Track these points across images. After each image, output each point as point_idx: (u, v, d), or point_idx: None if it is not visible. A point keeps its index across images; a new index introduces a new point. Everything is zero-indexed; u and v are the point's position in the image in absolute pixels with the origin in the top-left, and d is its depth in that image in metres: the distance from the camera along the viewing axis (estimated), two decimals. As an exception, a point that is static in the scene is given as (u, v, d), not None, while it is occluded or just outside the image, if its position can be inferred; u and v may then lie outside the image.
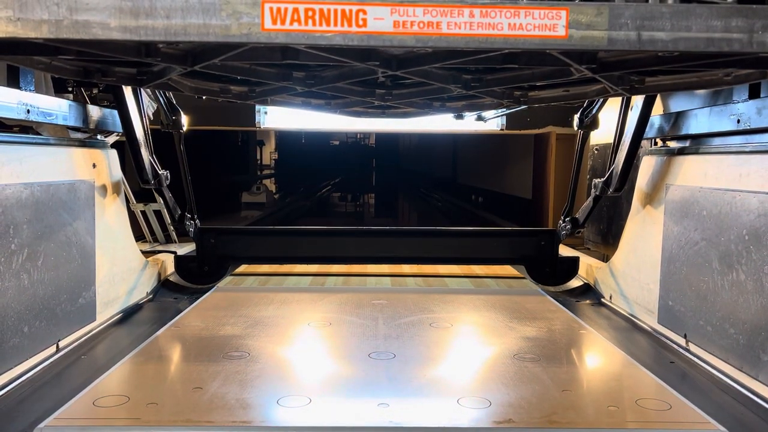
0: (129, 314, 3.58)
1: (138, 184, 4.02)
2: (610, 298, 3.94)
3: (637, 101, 3.49)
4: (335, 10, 1.60)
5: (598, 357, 2.86)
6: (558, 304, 3.62)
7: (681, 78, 2.72)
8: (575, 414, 2.06)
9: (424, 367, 2.57)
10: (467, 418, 2.01)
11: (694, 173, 3.06)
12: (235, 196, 12.01)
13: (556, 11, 1.59)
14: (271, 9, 1.60)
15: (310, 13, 1.60)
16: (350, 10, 1.59)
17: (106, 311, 3.36)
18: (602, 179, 3.85)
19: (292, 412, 2.05)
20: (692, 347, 2.92)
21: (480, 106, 3.97)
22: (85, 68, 2.73)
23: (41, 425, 1.92)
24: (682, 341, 3.01)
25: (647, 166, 3.60)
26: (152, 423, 1.95)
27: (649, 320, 3.36)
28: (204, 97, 3.64)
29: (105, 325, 3.30)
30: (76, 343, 2.96)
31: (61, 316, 2.87)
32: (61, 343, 2.86)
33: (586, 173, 5.01)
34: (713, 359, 2.73)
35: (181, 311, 3.38)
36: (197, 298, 3.71)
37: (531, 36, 1.61)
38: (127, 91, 3.53)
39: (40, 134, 3.02)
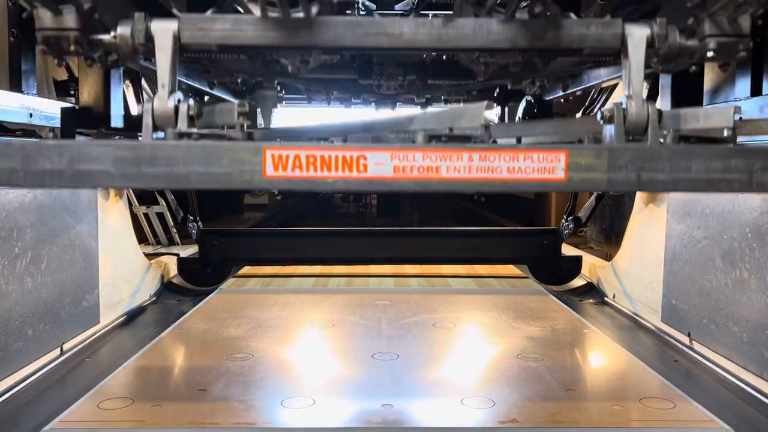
0: (133, 316, 3.58)
1: (140, 187, 4.02)
2: (614, 297, 3.94)
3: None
4: (336, 156, 1.57)
5: (602, 356, 2.86)
6: (561, 303, 3.62)
7: None
8: (579, 413, 2.06)
9: (428, 367, 2.57)
10: (471, 418, 2.01)
11: (696, 171, 3.05)
12: (236, 198, 12.01)
13: (555, 154, 1.55)
14: (272, 156, 1.56)
15: (311, 160, 1.57)
16: (351, 156, 1.56)
17: (110, 314, 3.37)
18: (604, 178, 3.84)
19: (295, 413, 2.05)
20: (696, 346, 2.91)
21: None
22: None
23: (46, 428, 1.93)
24: (685, 340, 3.00)
25: (649, 164, 3.59)
26: (157, 425, 1.96)
27: (653, 319, 3.36)
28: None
29: (109, 327, 3.30)
30: (80, 346, 2.96)
31: (65, 319, 2.88)
32: (65, 346, 2.87)
33: (589, 172, 5.00)
34: (717, 357, 2.72)
35: (185, 313, 3.39)
36: (200, 300, 3.71)
37: (530, 179, 1.59)
38: (129, 92, 3.53)
39: (42, 138, 3.03)
